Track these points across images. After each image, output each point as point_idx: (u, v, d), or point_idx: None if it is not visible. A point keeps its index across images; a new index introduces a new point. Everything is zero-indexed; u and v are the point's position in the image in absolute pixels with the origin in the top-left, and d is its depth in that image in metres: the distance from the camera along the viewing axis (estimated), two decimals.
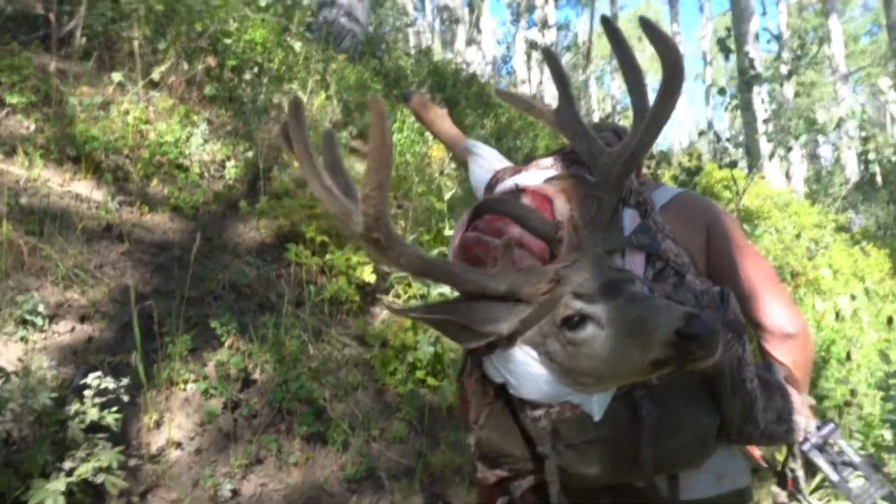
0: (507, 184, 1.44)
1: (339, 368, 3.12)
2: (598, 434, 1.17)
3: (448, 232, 3.70)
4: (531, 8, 20.86)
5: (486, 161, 1.71)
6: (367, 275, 3.48)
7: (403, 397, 3.15)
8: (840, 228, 9.10)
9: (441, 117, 2.02)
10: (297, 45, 6.60)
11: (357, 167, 5.80)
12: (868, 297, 4.86)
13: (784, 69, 6.61)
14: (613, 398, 1.17)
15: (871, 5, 28.68)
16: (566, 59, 30.03)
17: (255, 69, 5.62)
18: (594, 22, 27.27)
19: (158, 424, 2.41)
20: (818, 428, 1.39)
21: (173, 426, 2.43)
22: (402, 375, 3.21)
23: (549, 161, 1.49)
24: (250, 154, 4.30)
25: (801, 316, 1.43)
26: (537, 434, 1.20)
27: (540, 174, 1.43)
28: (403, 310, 1.65)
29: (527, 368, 1.16)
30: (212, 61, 4.95)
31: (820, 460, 1.37)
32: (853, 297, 4.73)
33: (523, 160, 1.64)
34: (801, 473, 1.40)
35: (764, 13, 16.37)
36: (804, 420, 1.35)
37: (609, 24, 1.38)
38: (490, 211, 1.32)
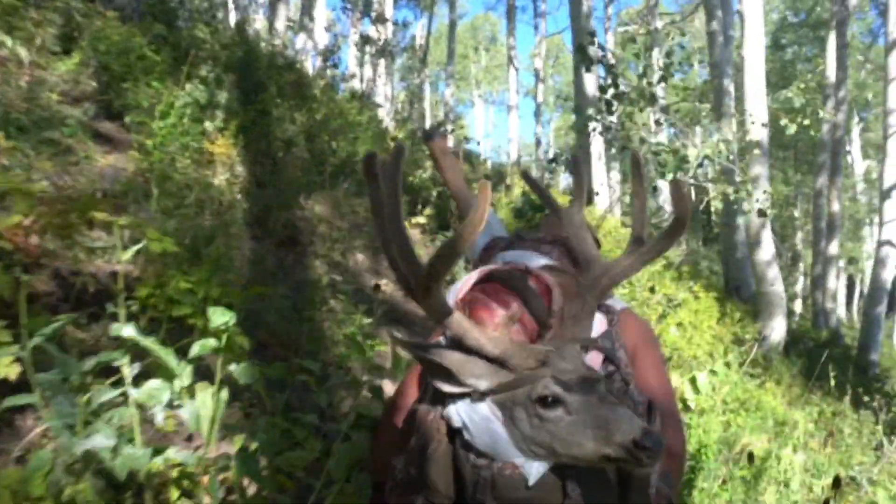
0: (514, 259, 1.66)
1: None
2: (527, 495, 1.31)
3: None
4: (368, 2, 19.59)
5: (489, 226, 1.76)
6: (6, 367, 1.90)
7: None
8: (669, 265, 8.74)
9: (456, 168, 2.06)
10: None
11: (100, 159, 4.19)
12: (728, 369, 4.15)
13: (645, 90, 5.84)
14: (547, 472, 1.31)
15: (686, 43, 30.58)
16: (401, 61, 29.12)
17: None
18: (432, 26, 26.62)
19: None
20: None
21: None
22: None
23: (548, 247, 1.74)
24: None
25: (685, 438, 1.78)
26: (475, 480, 1.35)
27: (540, 259, 1.67)
28: (407, 343, 1.42)
29: (489, 424, 1.32)
30: None
31: None
32: (713, 373, 3.93)
33: (512, 235, 1.83)
34: None
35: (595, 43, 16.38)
36: None
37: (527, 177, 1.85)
38: (501, 280, 1.49)
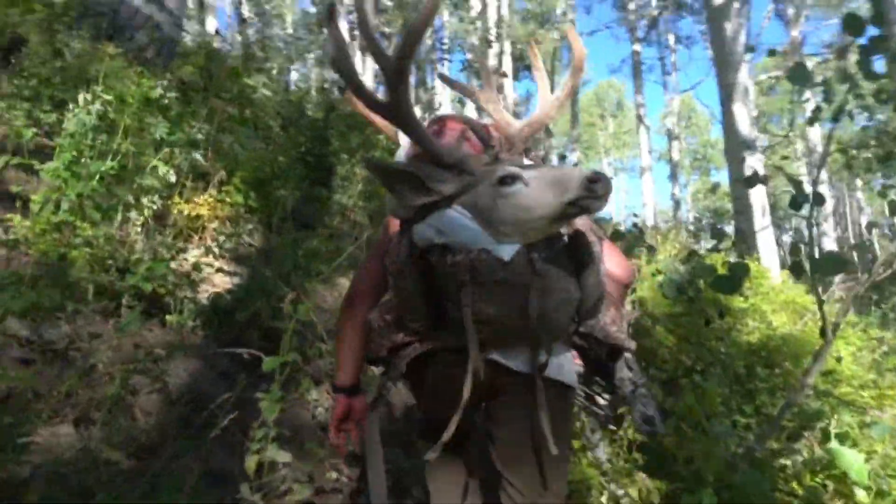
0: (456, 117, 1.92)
1: None
2: (503, 275, 1.48)
3: None
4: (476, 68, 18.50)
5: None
6: None
7: None
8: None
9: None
10: None
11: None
12: None
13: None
14: (517, 251, 1.50)
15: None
16: None
17: None
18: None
19: None
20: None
21: None
22: None
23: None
24: None
25: (627, 263, 1.91)
26: (456, 273, 1.48)
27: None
28: (378, 164, 1.63)
29: (459, 221, 1.51)
30: None
31: (623, 371, 1.86)
32: None
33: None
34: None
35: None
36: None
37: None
38: (452, 118, 1.85)
